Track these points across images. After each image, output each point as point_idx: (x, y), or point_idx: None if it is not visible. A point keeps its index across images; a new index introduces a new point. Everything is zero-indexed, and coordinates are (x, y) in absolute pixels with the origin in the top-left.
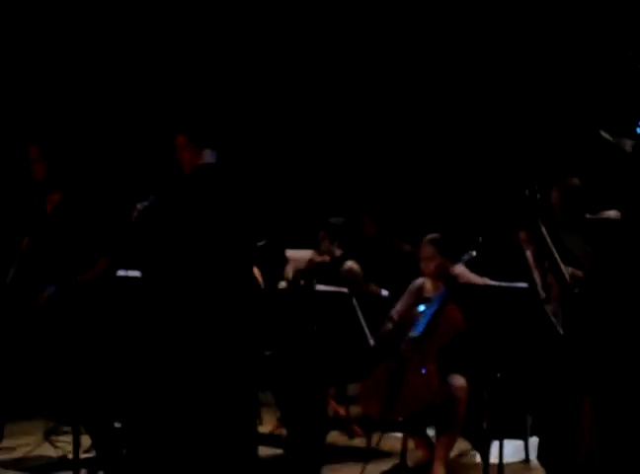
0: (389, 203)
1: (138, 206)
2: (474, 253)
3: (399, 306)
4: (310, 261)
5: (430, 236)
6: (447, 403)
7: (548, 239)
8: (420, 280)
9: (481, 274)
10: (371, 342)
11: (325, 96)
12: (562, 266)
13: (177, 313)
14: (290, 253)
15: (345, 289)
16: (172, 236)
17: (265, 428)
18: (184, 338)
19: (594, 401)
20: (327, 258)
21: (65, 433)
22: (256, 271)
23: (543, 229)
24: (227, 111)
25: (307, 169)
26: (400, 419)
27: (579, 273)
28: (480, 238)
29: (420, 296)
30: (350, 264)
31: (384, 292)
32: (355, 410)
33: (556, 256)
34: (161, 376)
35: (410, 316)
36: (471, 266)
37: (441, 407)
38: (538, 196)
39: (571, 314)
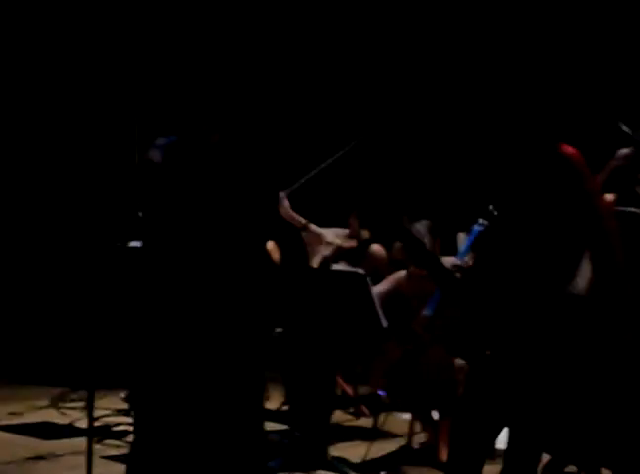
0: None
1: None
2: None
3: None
4: (338, 247)
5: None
6: (449, 385)
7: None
8: None
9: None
10: (384, 323)
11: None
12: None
13: (180, 284)
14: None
15: (360, 269)
16: (183, 193)
17: (272, 404)
18: (187, 310)
19: None
20: (353, 243)
21: (73, 399)
22: (273, 246)
23: None
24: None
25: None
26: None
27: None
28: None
29: None
30: (374, 248)
31: None
32: (362, 389)
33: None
34: (166, 349)
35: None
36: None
37: (444, 389)
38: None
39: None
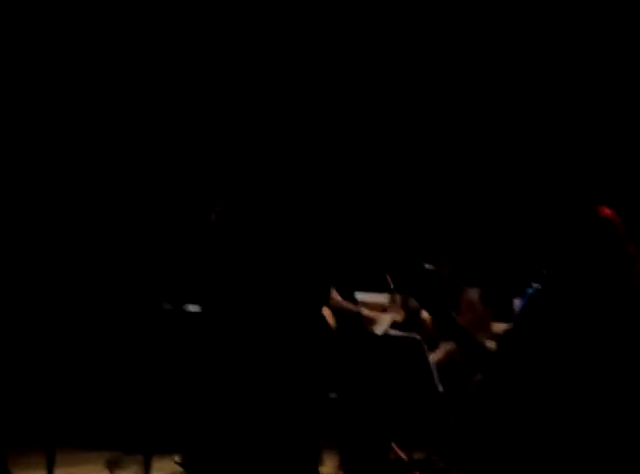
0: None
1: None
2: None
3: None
4: (391, 322)
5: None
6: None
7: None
8: None
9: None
10: (440, 388)
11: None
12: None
13: (236, 347)
14: (364, 298)
15: (416, 335)
16: (240, 259)
17: (326, 469)
18: (243, 374)
19: None
20: (402, 314)
21: (128, 463)
22: (328, 312)
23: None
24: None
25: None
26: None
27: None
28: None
29: None
30: (426, 315)
31: None
32: (417, 455)
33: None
34: (221, 413)
35: None
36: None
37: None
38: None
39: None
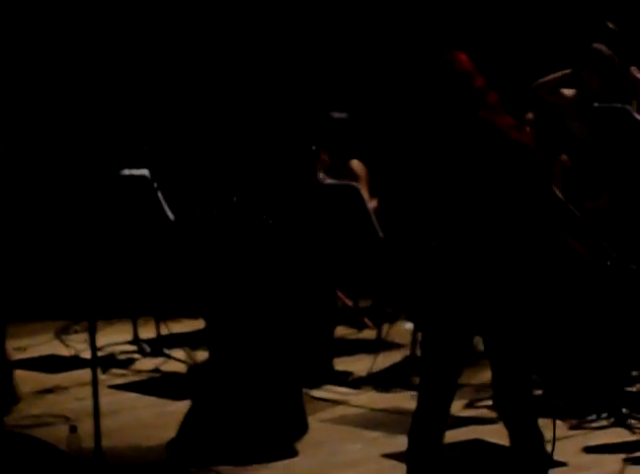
0: None
1: None
2: None
3: None
4: None
5: None
6: None
7: None
8: None
9: None
10: (380, 234)
11: None
12: None
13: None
14: None
15: (353, 183)
16: None
17: None
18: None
19: None
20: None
21: (76, 331)
22: None
23: None
24: None
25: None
26: None
27: None
28: None
29: None
30: (354, 163)
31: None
32: (363, 302)
33: None
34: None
35: None
36: None
37: None
38: None
39: None
